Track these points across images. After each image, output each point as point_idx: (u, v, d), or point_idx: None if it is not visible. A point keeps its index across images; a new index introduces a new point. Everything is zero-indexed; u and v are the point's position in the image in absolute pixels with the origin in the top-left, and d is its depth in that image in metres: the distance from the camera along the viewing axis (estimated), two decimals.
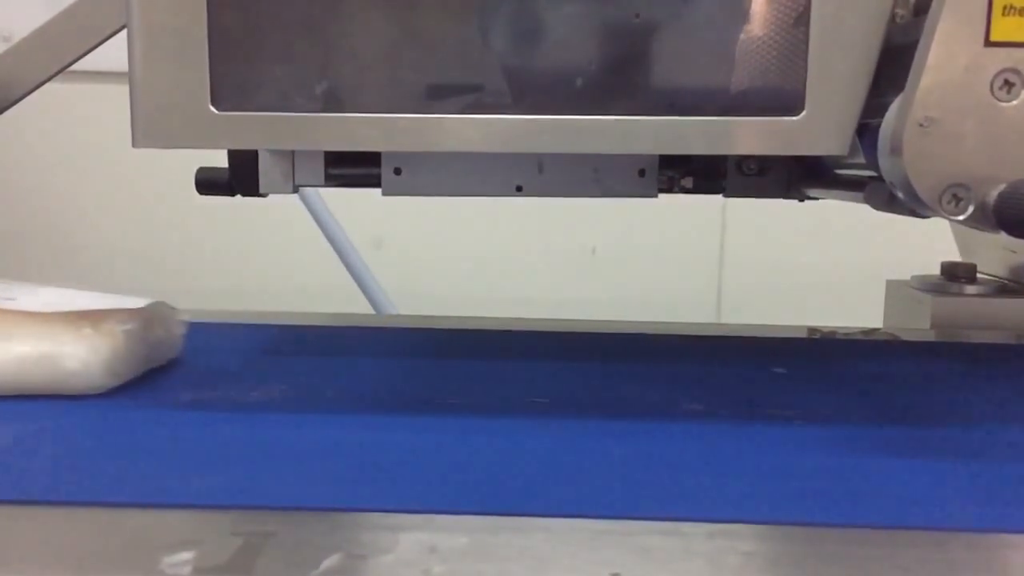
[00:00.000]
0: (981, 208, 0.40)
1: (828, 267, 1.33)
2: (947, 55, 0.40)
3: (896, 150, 0.41)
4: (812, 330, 0.74)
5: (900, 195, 0.42)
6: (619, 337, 0.71)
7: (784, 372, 0.60)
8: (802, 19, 0.44)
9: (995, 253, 0.85)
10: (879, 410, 0.53)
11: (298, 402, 0.52)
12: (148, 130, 0.44)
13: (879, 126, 0.43)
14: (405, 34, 0.45)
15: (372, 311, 1.20)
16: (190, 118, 0.44)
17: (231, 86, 0.44)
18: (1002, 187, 0.40)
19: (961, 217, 0.40)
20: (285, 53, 0.45)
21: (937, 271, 0.83)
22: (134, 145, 0.44)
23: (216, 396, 0.52)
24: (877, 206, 0.49)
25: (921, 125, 0.40)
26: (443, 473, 0.41)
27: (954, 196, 0.40)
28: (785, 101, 0.44)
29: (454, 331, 0.72)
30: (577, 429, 0.48)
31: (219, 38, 0.44)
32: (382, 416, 0.49)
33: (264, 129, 0.45)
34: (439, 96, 0.46)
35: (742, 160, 0.61)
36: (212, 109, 0.44)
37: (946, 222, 0.86)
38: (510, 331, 0.71)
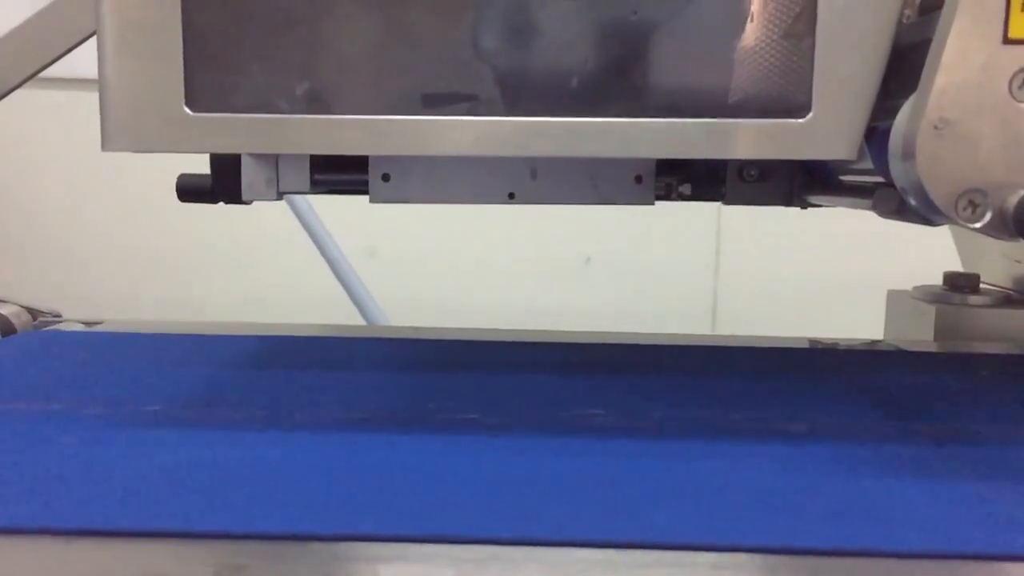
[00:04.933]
0: (999, 215, 0.38)
1: (824, 276, 1.31)
2: (963, 54, 0.38)
3: (909, 154, 0.38)
4: (814, 341, 0.71)
5: (912, 202, 0.40)
6: (616, 348, 0.69)
7: (787, 386, 0.58)
8: (808, 16, 0.41)
9: (998, 263, 0.83)
10: (887, 426, 0.51)
11: (278, 420, 0.49)
12: (118, 133, 0.42)
13: (888, 129, 0.41)
14: (392, 31, 0.43)
15: (363, 322, 1.18)
16: (163, 120, 0.42)
17: (207, 86, 0.42)
18: (1022, 193, 0.38)
19: (978, 225, 0.38)
20: (265, 51, 0.42)
21: (932, 281, 0.81)
22: (104, 148, 0.42)
23: (190, 413, 0.50)
24: (885, 214, 0.47)
25: (935, 127, 0.38)
26: (428, 497, 0.39)
27: (970, 202, 0.38)
28: (790, 103, 0.42)
29: (445, 342, 0.69)
30: (571, 448, 0.46)
31: (194, 35, 0.41)
32: (366, 435, 0.47)
33: (242, 132, 0.43)
34: (428, 98, 0.43)
35: (743, 166, 0.59)
36: (186, 110, 0.42)
37: (947, 230, 0.84)
38: (502, 342, 0.69)
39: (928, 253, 0.87)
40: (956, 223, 0.39)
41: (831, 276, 1.30)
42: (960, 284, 0.80)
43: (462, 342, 0.70)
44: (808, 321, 1.21)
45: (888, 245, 1.18)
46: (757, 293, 1.32)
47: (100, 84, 0.42)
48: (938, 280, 0.81)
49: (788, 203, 0.60)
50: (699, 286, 1.35)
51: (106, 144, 0.42)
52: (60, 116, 1.22)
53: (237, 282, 1.31)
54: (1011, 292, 0.80)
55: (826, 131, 0.42)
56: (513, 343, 0.69)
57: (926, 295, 0.79)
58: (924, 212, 0.40)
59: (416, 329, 0.75)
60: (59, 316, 0.77)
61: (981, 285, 0.80)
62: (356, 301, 1.19)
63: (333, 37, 0.43)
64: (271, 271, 1.31)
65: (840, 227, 1.16)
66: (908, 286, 0.82)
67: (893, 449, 0.47)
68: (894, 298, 0.84)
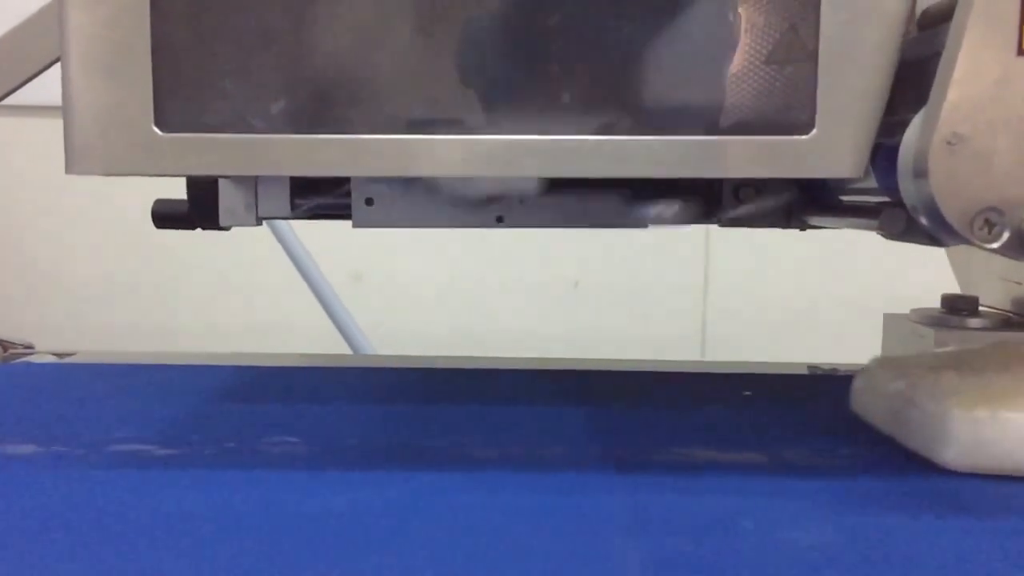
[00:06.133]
0: (1017, 234, 0.36)
1: (814, 299, 1.30)
2: (976, 66, 0.36)
3: (920, 171, 0.36)
4: (813, 367, 0.70)
5: (924, 222, 0.38)
6: (607, 375, 0.66)
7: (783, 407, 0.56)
8: (811, 31, 0.40)
9: (997, 285, 0.81)
10: (896, 456, 0.49)
11: (258, 455, 0.47)
12: (83, 154, 0.40)
13: (894, 146, 0.39)
14: (374, 46, 0.41)
15: (349, 350, 1.15)
16: (131, 141, 0.39)
17: (177, 105, 0.40)
18: None
19: (995, 245, 0.36)
20: (239, 68, 0.40)
21: (921, 304, 0.79)
22: (67, 171, 0.40)
23: (167, 451, 0.47)
24: (892, 235, 0.45)
25: (949, 143, 0.36)
26: (414, 540, 0.36)
27: (986, 222, 0.36)
28: (793, 120, 0.40)
29: (432, 371, 0.67)
30: (562, 483, 0.43)
31: (164, 50, 0.39)
32: (348, 473, 0.45)
33: (215, 153, 0.40)
34: (412, 115, 0.41)
35: (739, 186, 0.57)
36: (156, 130, 0.40)
37: (942, 252, 0.83)
38: (491, 370, 0.67)
39: (925, 274, 0.86)
40: (971, 243, 0.37)
41: (823, 298, 1.28)
42: (959, 306, 0.78)
43: (449, 371, 0.68)
44: (797, 344, 1.19)
45: (883, 267, 1.17)
46: (745, 316, 1.31)
47: (64, 103, 0.39)
48: (935, 302, 0.80)
49: (787, 224, 0.58)
50: (688, 310, 1.33)
51: (70, 167, 0.40)
52: (32, 143, 1.20)
53: (215, 310, 1.28)
54: (1011, 314, 0.79)
55: (831, 149, 0.40)
56: (501, 371, 0.67)
57: (924, 318, 0.78)
58: (936, 232, 0.38)
59: (402, 358, 0.73)
60: (31, 347, 0.75)
61: (980, 307, 0.78)
62: (340, 328, 1.16)
63: (312, 51, 0.41)
64: (251, 298, 1.29)
65: (827, 248, 1.15)
66: (905, 309, 0.81)
67: (902, 481, 0.45)
68: (891, 321, 0.82)
